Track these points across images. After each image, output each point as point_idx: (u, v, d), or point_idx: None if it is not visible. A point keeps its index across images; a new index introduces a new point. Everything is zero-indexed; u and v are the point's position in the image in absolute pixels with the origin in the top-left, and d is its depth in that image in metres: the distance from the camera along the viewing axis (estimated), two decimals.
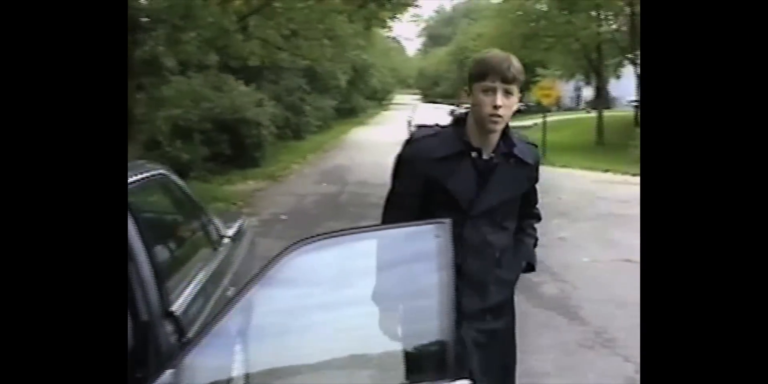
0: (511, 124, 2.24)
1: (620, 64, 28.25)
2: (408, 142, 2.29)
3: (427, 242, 1.72)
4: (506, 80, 2.13)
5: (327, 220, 8.41)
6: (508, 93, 2.14)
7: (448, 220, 1.78)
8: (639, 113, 24.72)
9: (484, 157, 2.23)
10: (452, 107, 26.91)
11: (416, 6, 16.86)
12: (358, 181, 12.67)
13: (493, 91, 2.13)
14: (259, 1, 11.97)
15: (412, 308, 1.85)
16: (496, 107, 2.12)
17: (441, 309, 1.64)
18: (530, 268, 2.50)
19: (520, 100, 2.23)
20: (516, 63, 2.16)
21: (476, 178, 2.21)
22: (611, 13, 24.97)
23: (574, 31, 23.17)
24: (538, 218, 2.53)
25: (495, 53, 2.25)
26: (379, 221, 2.23)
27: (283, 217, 9.09)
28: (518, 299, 5.17)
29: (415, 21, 20.46)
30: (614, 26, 25.28)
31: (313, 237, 1.57)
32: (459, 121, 2.28)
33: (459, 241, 1.88)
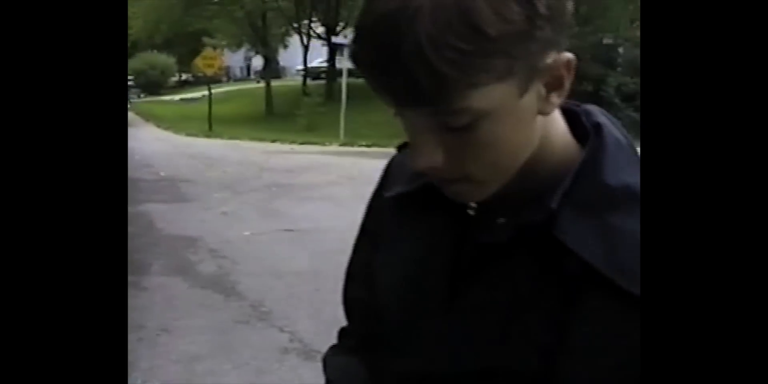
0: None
1: (287, 34, 28.83)
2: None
3: None
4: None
5: None
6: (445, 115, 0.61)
7: None
8: (305, 82, 25.70)
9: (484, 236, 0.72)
10: None
11: None
12: None
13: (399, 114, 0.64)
14: None
15: None
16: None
17: None
18: None
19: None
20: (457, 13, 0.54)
21: (449, 268, 0.74)
22: None
23: None
24: None
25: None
26: None
27: None
28: (173, 281, 5.05)
29: None
30: None
31: None
32: None
33: None
